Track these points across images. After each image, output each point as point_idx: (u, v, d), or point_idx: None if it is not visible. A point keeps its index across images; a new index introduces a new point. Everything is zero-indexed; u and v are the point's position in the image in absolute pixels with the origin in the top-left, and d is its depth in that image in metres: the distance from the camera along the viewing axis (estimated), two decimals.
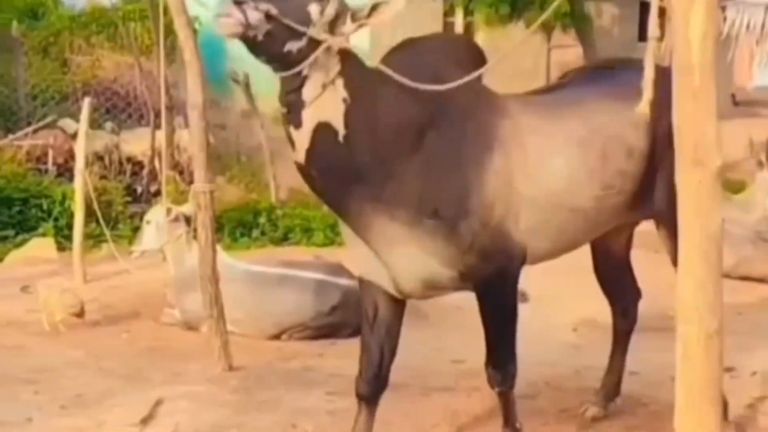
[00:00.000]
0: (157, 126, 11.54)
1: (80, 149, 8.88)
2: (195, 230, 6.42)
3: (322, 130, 3.95)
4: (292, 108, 3.93)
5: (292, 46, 3.82)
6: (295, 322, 6.85)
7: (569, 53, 17.90)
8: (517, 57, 17.69)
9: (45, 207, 10.28)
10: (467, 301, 7.70)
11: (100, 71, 15.43)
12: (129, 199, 11.18)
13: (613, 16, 18.63)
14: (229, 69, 12.93)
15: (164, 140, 10.44)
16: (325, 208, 12.01)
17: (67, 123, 12.27)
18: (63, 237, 9.70)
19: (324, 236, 10.48)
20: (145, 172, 12.04)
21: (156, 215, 7.36)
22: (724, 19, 9.64)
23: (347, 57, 3.98)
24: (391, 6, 4.00)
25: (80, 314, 7.07)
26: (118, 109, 14.09)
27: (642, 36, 19.65)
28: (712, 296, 2.63)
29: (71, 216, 9.08)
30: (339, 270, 7.15)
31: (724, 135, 2.60)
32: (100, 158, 11.86)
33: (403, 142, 4.10)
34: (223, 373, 6.03)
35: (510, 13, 14.82)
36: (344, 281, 6.92)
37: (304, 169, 4.03)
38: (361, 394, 4.56)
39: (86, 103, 9.07)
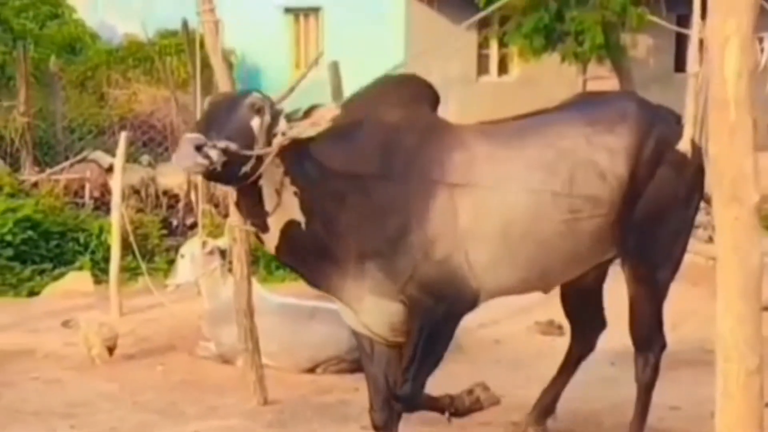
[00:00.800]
0: None
1: (117, 183, 8.95)
2: (230, 263, 6.45)
3: (288, 227, 4.32)
4: (257, 218, 4.33)
5: (246, 167, 4.16)
6: (330, 356, 6.83)
7: (605, 84, 17.84)
8: (551, 88, 17.68)
9: (82, 240, 10.36)
10: (505, 335, 7.70)
11: (136, 105, 15.57)
12: (165, 232, 11.23)
13: (649, 47, 18.57)
14: None
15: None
16: None
17: (100, 156, 12.39)
18: (100, 270, 9.75)
19: None
20: (180, 205, 12.11)
21: (191, 249, 7.38)
22: (762, 50, 9.55)
23: (286, 153, 4.24)
24: (326, 111, 4.25)
25: (112, 348, 7.09)
26: (154, 142, 14.20)
27: (678, 67, 19.56)
28: (751, 333, 2.60)
29: (108, 249, 9.13)
30: None
31: (762, 167, 2.58)
32: (137, 192, 11.94)
33: (349, 201, 4.36)
34: (258, 407, 6.03)
35: (545, 44, 14.80)
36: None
37: (277, 257, 4.55)
38: (377, 426, 4.72)
39: (123, 137, 9.15)
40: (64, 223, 10.50)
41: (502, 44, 17.48)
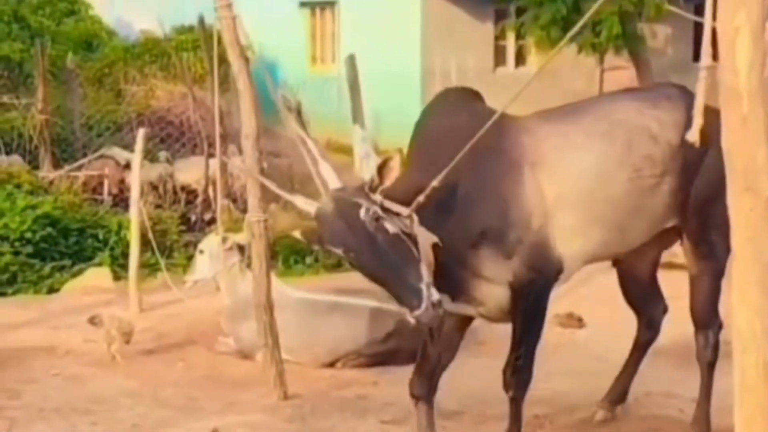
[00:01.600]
0: (211, 155, 11.64)
1: (135, 179, 8.98)
2: (249, 258, 6.46)
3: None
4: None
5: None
6: (350, 350, 6.83)
7: (623, 75, 17.77)
8: (569, 79, 17.65)
9: (101, 237, 10.39)
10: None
11: (153, 101, 15.61)
12: (183, 228, 11.25)
13: (667, 36, 18.48)
14: (281, 95, 13.01)
15: (218, 169, 10.52)
16: None
17: (117, 153, 12.43)
18: (119, 266, 9.78)
19: None
20: (199, 200, 12.13)
21: (209, 244, 7.40)
22: None
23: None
24: (393, 163, 4.30)
25: (128, 342, 7.12)
26: (172, 138, 14.23)
27: (696, 56, 19.47)
28: None
29: (127, 245, 9.17)
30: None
31: None
32: (155, 188, 11.98)
33: (451, 204, 4.52)
34: (278, 402, 6.04)
35: (561, 35, 14.74)
36: (398, 308, 6.90)
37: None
38: (416, 395, 4.96)
39: (141, 134, 9.17)
40: (83, 219, 10.53)
41: (519, 36, 17.44)
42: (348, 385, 6.45)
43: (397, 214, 4.26)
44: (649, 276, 5.62)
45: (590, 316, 7.88)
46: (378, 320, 6.85)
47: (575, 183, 4.74)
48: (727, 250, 5.01)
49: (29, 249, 9.93)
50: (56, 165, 12.67)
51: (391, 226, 4.22)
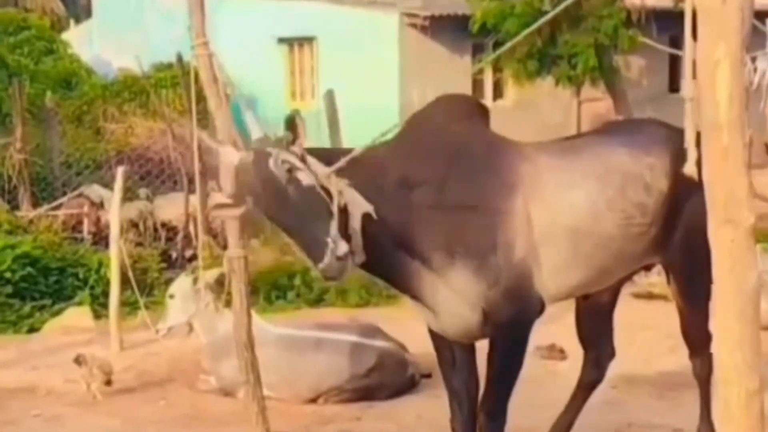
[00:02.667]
0: (191, 191, 11.63)
1: (114, 217, 8.95)
2: (229, 294, 6.42)
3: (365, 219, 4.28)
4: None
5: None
6: (332, 386, 6.81)
7: (600, 106, 17.90)
8: (546, 111, 17.77)
9: (81, 275, 10.34)
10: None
11: (133, 138, 15.61)
12: (164, 265, 11.22)
13: (641, 68, 18.65)
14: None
15: (199, 205, 10.51)
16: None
17: (94, 190, 12.39)
18: (99, 305, 9.73)
19: (359, 297, 10.44)
20: (179, 237, 12.11)
21: (180, 287, 7.31)
22: (755, 69, 9.59)
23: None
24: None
25: (108, 383, 7.08)
26: (152, 175, 14.23)
27: (672, 87, 19.64)
28: (750, 355, 2.60)
29: (107, 284, 9.12)
30: (374, 331, 7.13)
31: (760, 184, 2.59)
32: (135, 225, 11.95)
33: (424, 202, 4.42)
34: None
35: (538, 68, 14.84)
36: (380, 343, 6.90)
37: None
38: None
39: (120, 172, 9.15)
40: (63, 258, 10.48)
41: (496, 69, 17.55)
42: (331, 420, 6.43)
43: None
44: (607, 312, 5.56)
45: (572, 348, 7.88)
46: (360, 355, 6.85)
47: (566, 221, 4.69)
48: (709, 284, 5.17)
49: (9, 289, 9.86)
50: (35, 204, 12.63)
51: (305, 178, 4.14)
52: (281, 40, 19.42)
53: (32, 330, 9.51)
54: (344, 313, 9.53)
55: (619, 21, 14.21)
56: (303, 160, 4.19)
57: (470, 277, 4.44)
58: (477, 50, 17.42)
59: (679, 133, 4.96)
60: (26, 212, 11.97)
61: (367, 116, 16.28)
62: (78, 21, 28.12)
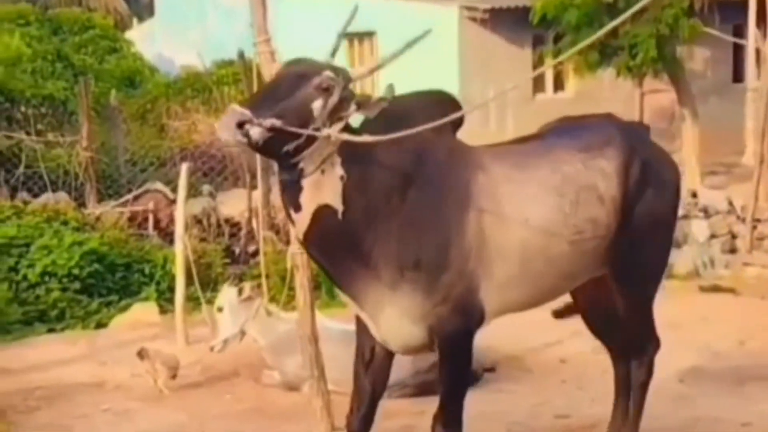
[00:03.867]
0: (253, 187, 11.71)
1: (179, 214, 9.06)
2: (273, 299, 6.44)
3: (322, 211, 4.23)
4: (291, 194, 4.21)
5: (291, 145, 4.10)
6: (394, 380, 6.77)
7: (663, 98, 17.72)
8: (607, 103, 17.58)
9: (147, 271, 10.48)
10: (570, 354, 7.67)
11: (196, 135, 15.73)
12: (228, 260, 11.32)
13: (706, 59, 18.40)
14: None
15: (260, 201, 10.58)
16: None
17: (157, 187, 12.54)
18: (165, 300, 9.86)
19: None
20: (242, 233, 12.20)
21: (227, 299, 7.33)
22: None
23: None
24: (378, 102, 4.36)
25: (174, 377, 7.17)
26: (214, 171, 14.33)
27: (736, 77, 19.36)
28: None
29: (172, 279, 9.24)
30: None
31: None
32: (199, 221, 12.06)
33: (389, 205, 4.35)
34: None
35: (599, 59, 14.71)
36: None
37: (303, 245, 4.43)
38: (354, 430, 4.87)
39: (184, 168, 9.26)
40: (129, 254, 10.62)
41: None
42: (394, 415, 6.44)
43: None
44: (611, 307, 5.32)
45: None
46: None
47: (519, 238, 4.59)
48: (657, 282, 5.20)
49: (77, 285, 10.03)
50: (101, 201, 12.82)
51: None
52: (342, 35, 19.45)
53: (100, 326, 9.66)
54: None
55: (681, 11, 14.03)
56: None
57: (420, 296, 4.40)
58: (537, 42, 17.33)
59: (632, 130, 5.17)
60: (93, 209, 12.14)
61: None
62: (141, 19, 28.47)
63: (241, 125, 4.00)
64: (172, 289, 9.25)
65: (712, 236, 12.18)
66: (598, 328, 5.46)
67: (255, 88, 7.74)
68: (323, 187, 4.21)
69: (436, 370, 6.79)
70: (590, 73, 15.17)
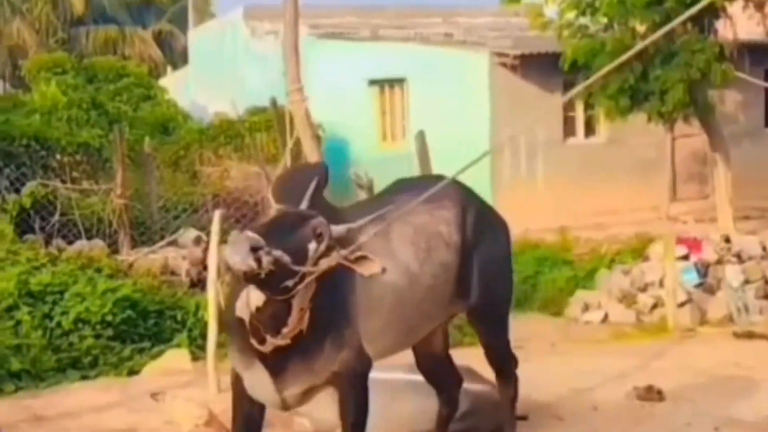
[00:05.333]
0: None
1: (212, 260, 9.11)
2: None
3: (295, 338, 4.72)
4: (272, 325, 4.66)
5: (289, 282, 4.54)
6: (425, 430, 6.79)
7: (694, 142, 17.68)
8: (639, 148, 17.60)
9: (179, 318, 10.52)
10: (603, 401, 7.61)
11: (228, 182, 15.87)
12: None
13: (737, 103, 18.34)
14: (353, 173, 13.15)
15: None
16: None
17: (190, 234, 12.61)
18: (197, 347, 9.88)
19: (451, 337, 10.42)
20: None
21: None
22: None
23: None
24: (373, 264, 4.86)
25: (209, 424, 7.15)
26: (247, 218, 14.43)
27: None
28: None
29: (205, 326, 9.27)
30: (468, 373, 7.09)
31: None
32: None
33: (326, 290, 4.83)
34: None
35: (630, 104, 14.71)
36: (474, 386, 6.86)
37: (260, 352, 4.77)
38: None
39: (217, 215, 9.32)
40: (162, 301, 10.68)
41: (587, 106, 17.45)
42: None
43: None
44: (443, 354, 6.09)
45: (671, 389, 7.77)
46: None
47: (385, 289, 5.03)
48: (508, 310, 5.85)
49: (110, 332, 10.07)
50: (135, 247, 12.93)
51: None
52: (372, 82, 19.60)
53: (132, 372, 9.69)
54: None
55: (712, 55, 14.03)
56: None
57: (329, 346, 4.88)
58: (568, 88, 17.34)
59: (463, 186, 5.68)
60: (126, 256, 12.24)
61: (458, 156, 16.34)
62: (175, 67, 28.83)
63: (254, 250, 4.36)
64: (204, 335, 9.28)
65: (746, 281, 12.09)
66: (431, 377, 6.13)
67: (287, 134, 7.82)
68: (302, 321, 4.73)
69: (467, 419, 6.83)
70: (621, 118, 15.16)
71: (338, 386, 5.04)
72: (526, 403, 7.30)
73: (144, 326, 10.36)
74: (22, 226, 13.49)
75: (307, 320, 4.74)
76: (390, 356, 5.49)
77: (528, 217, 15.76)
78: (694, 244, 12.78)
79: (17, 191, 13.98)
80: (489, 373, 7.22)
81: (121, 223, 13.08)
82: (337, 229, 4.81)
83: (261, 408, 5.22)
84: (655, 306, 11.95)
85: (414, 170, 15.19)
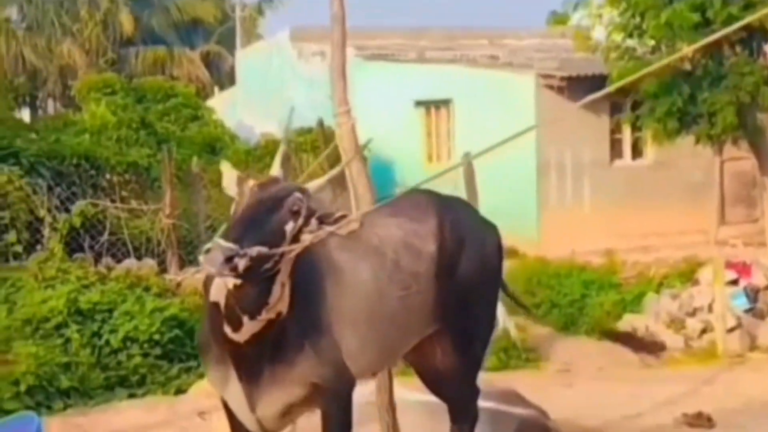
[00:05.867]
0: None
1: None
2: None
3: (275, 319, 4.53)
4: (252, 305, 4.45)
5: (268, 265, 4.38)
6: None
7: (743, 164, 17.51)
8: (687, 170, 17.47)
9: None
10: (651, 428, 7.52)
11: None
12: None
13: None
14: (398, 194, 13.17)
15: None
16: (498, 330, 11.96)
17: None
18: None
19: (497, 360, 10.40)
20: None
21: None
22: None
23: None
24: (352, 221, 4.68)
25: None
26: None
27: None
28: None
29: None
30: (514, 397, 7.07)
31: None
32: None
33: (303, 295, 4.70)
34: None
35: (678, 127, 14.62)
36: (520, 410, 6.84)
37: (235, 344, 4.55)
38: None
39: None
40: None
41: (635, 128, 17.36)
42: None
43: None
44: (448, 366, 5.61)
45: (720, 416, 7.69)
46: (499, 423, 6.78)
47: (362, 295, 4.93)
48: (483, 346, 5.58)
49: (157, 351, 10.17)
50: (183, 267, 13.03)
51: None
52: (418, 103, 19.66)
53: (179, 391, 9.75)
54: (482, 377, 9.48)
55: (761, 78, 13.92)
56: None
57: (310, 359, 4.69)
58: (615, 110, 17.28)
59: (444, 199, 5.52)
60: (174, 275, 12.34)
61: (504, 177, 16.34)
62: (222, 88, 29.10)
63: (229, 259, 4.22)
64: None
65: None
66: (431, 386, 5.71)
67: (334, 157, 7.85)
68: (283, 298, 4.55)
69: None
70: (669, 141, 15.07)
71: (320, 405, 4.84)
72: (572, 428, 7.26)
73: (191, 345, 10.42)
74: (72, 244, 13.64)
75: (287, 300, 4.55)
76: (372, 375, 5.43)
77: (574, 239, 15.71)
78: (743, 269, 12.66)
79: (67, 210, 14.13)
80: (535, 396, 7.21)
81: (169, 242, 13.19)
82: (316, 184, 4.66)
83: None
84: (704, 331, 11.85)
85: (460, 191, 15.20)
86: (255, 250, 4.26)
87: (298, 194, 4.49)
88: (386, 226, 5.19)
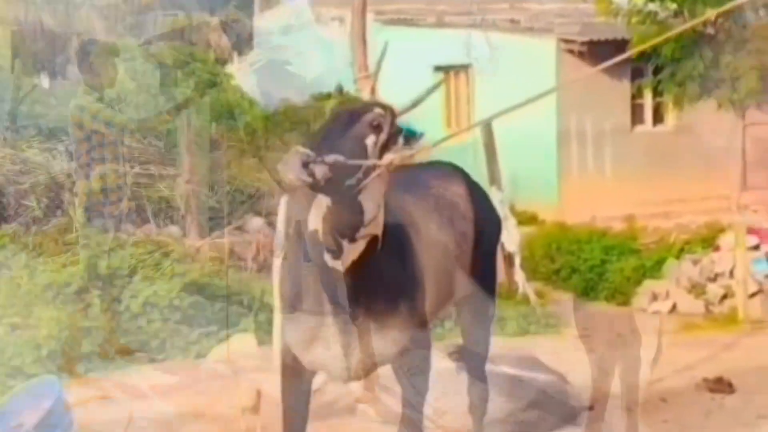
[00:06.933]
0: None
1: (278, 245, 9.14)
2: None
3: (372, 242, 4.44)
4: (347, 227, 4.36)
5: (351, 180, 4.28)
6: (489, 420, 6.75)
7: (766, 130, 17.34)
8: (708, 136, 17.29)
9: (245, 303, 10.60)
10: (672, 393, 7.51)
11: None
12: None
13: None
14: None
15: None
16: (518, 296, 11.94)
17: (255, 222, 12.69)
18: (264, 332, 9.94)
19: (517, 326, 10.38)
20: None
21: None
22: None
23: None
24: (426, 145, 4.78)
25: (255, 408, 7.15)
26: None
27: None
28: None
29: (271, 311, 9.32)
30: (533, 363, 7.06)
31: None
32: None
33: (403, 232, 4.78)
34: None
35: (699, 92, 14.48)
36: (539, 375, 6.83)
37: (336, 274, 4.42)
38: None
39: (283, 201, 9.34)
40: (228, 286, 10.78)
41: (656, 93, 17.21)
42: None
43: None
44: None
45: (741, 382, 7.66)
46: (518, 388, 6.79)
47: (430, 255, 4.91)
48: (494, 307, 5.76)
49: (177, 316, 10.20)
50: (202, 233, 13.03)
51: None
52: (438, 68, 19.52)
53: (199, 356, 9.79)
54: (501, 343, 9.48)
55: None
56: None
57: (406, 314, 4.69)
58: (636, 74, 17.14)
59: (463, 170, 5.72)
60: (193, 241, 12.34)
61: (525, 144, 16.24)
62: (241, 53, 28.96)
63: (305, 165, 4.14)
64: (269, 320, 9.34)
65: None
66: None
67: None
68: (377, 220, 4.45)
69: (532, 409, 6.80)
70: (690, 106, 14.93)
71: (403, 362, 4.84)
72: (592, 393, 7.24)
73: (211, 310, 10.46)
74: (92, 210, 13.65)
75: (381, 224, 4.44)
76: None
77: (595, 205, 15.63)
78: (765, 234, 12.58)
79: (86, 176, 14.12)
80: (556, 362, 7.20)
81: (188, 208, 13.19)
82: (403, 106, 4.69)
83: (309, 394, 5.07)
84: (725, 297, 11.80)
85: (479, 156, 15.17)
86: (332, 158, 4.18)
87: (379, 110, 4.45)
88: (436, 187, 5.30)
